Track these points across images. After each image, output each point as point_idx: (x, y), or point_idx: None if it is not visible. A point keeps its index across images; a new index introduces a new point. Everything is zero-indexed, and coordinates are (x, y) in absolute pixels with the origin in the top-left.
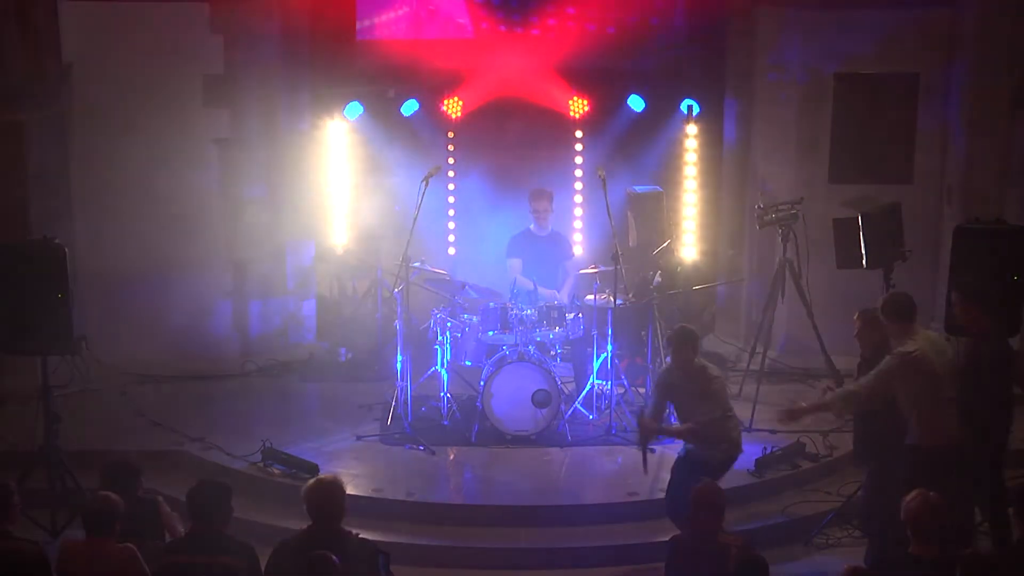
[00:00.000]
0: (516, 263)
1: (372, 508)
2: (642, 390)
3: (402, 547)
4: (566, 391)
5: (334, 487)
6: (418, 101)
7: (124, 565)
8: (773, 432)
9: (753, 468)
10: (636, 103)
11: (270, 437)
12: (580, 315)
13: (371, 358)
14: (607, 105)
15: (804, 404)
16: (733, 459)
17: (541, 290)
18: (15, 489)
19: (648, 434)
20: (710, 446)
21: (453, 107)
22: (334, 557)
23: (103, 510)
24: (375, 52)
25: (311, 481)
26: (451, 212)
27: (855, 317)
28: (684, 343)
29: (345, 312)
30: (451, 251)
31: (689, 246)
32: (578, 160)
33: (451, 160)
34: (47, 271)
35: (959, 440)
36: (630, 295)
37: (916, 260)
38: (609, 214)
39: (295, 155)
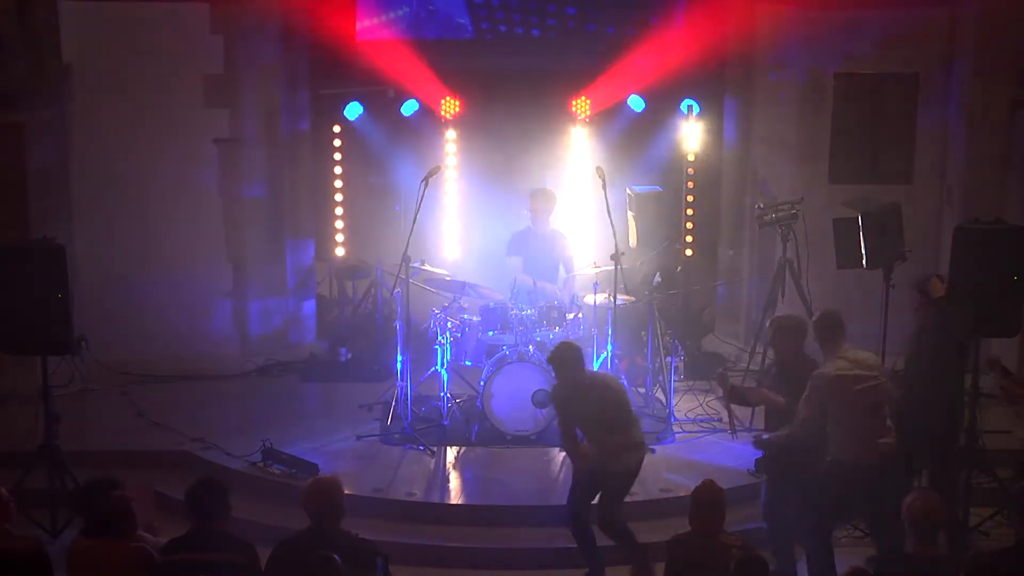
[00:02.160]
0: (516, 261)
1: (372, 508)
2: (642, 390)
3: (402, 547)
4: None
5: (332, 487)
6: (418, 101)
7: (137, 565)
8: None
9: (753, 468)
10: (636, 103)
11: (270, 437)
12: (580, 315)
13: (371, 358)
14: (607, 105)
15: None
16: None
17: (540, 284)
18: (3, 488)
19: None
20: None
21: (452, 107)
22: (336, 557)
23: (119, 511)
24: (375, 52)
25: (309, 482)
26: (451, 212)
27: (768, 324)
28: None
29: (345, 312)
30: (451, 251)
31: (689, 246)
32: (578, 160)
33: (451, 160)
34: (47, 271)
35: (879, 456)
36: (630, 295)
37: (916, 260)
38: (609, 214)
39: (295, 155)
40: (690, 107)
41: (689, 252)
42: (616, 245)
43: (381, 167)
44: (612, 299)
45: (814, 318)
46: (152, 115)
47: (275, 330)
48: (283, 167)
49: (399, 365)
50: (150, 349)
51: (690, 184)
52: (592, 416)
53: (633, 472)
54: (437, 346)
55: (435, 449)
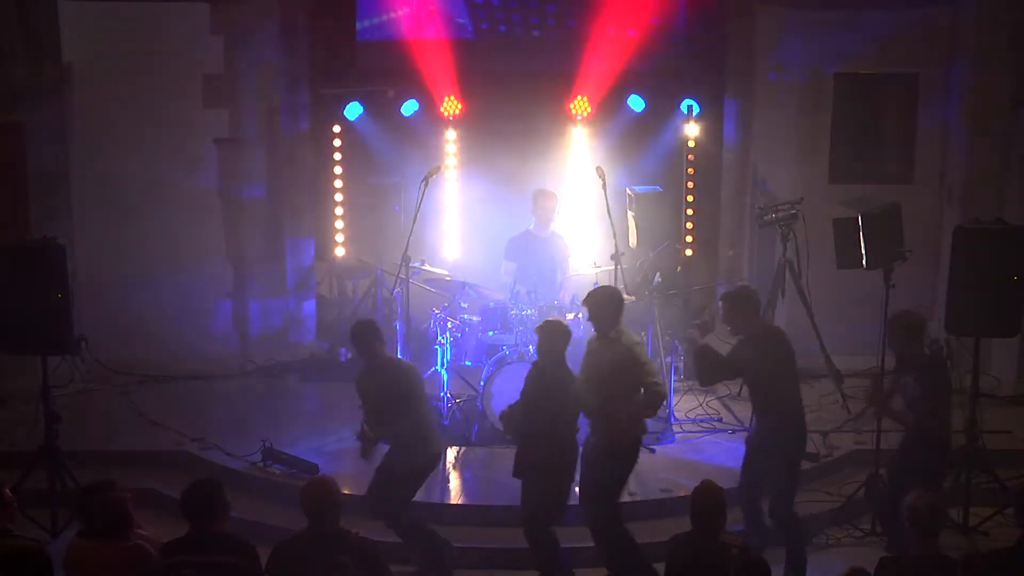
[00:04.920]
0: (511, 267)
1: None
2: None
3: (402, 547)
4: None
5: (328, 487)
6: (418, 101)
7: (135, 565)
8: None
9: None
10: (636, 103)
11: (270, 437)
12: (580, 315)
13: None
14: (607, 105)
15: None
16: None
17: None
18: (7, 488)
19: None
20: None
21: (453, 107)
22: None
23: (115, 511)
24: (375, 52)
25: (304, 483)
26: (451, 212)
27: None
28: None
29: (345, 312)
30: (451, 251)
31: (689, 246)
32: (578, 160)
33: (451, 160)
34: (47, 271)
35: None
36: (630, 295)
37: (916, 260)
38: (609, 214)
39: (295, 155)
40: (690, 107)
41: (689, 252)
42: (616, 245)
43: (381, 167)
44: None
45: (595, 295)
46: (152, 115)
47: (275, 330)
48: (283, 167)
49: None
50: (150, 349)
51: (690, 184)
52: (371, 399)
53: (413, 470)
54: (437, 346)
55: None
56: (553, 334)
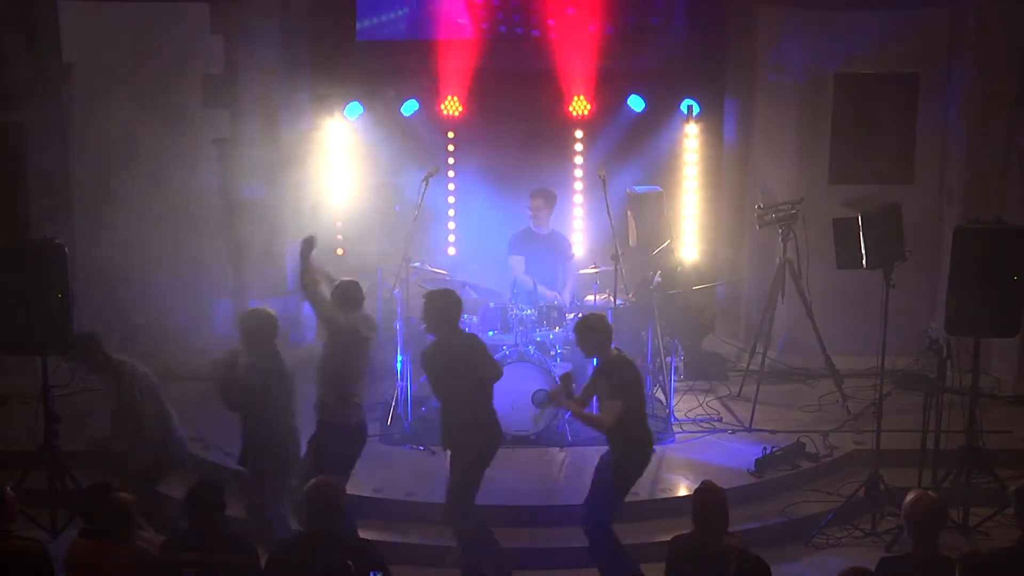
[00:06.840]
0: (519, 261)
1: (372, 508)
2: None
3: (402, 547)
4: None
5: (333, 487)
6: (418, 101)
7: (136, 566)
8: (773, 432)
9: (753, 468)
10: (636, 103)
11: None
12: (580, 315)
13: (371, 358)
14: (607, 105)
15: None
16: None
17: (541, 289)
18: (8, 488)
19: None
20: None
21: (453, 107)
22: (350, 564)
23: (117, 512)
24: (375, 52)
25: (312, 481)
26: (451, 212)
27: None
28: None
29: None
30: (451, 251)
31: (689, 246)
32: (578, 160)
33: (451, 160)
34: (47, 271)
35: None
36: (630, 295)
37: (916, 260)
38: (609, 214)
39: (295, 155)
40: (690, 107)
41: (689, 252)
42: (616, 245)
43: (381, 167)
44: (612, 299)
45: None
46: (152, 115)
47: None
48: (283, 167)
49: (399, 365)
50: (150, 349)
51: (690, 184)
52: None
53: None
54: None
55: (435, 449)
56: (259, 327)
